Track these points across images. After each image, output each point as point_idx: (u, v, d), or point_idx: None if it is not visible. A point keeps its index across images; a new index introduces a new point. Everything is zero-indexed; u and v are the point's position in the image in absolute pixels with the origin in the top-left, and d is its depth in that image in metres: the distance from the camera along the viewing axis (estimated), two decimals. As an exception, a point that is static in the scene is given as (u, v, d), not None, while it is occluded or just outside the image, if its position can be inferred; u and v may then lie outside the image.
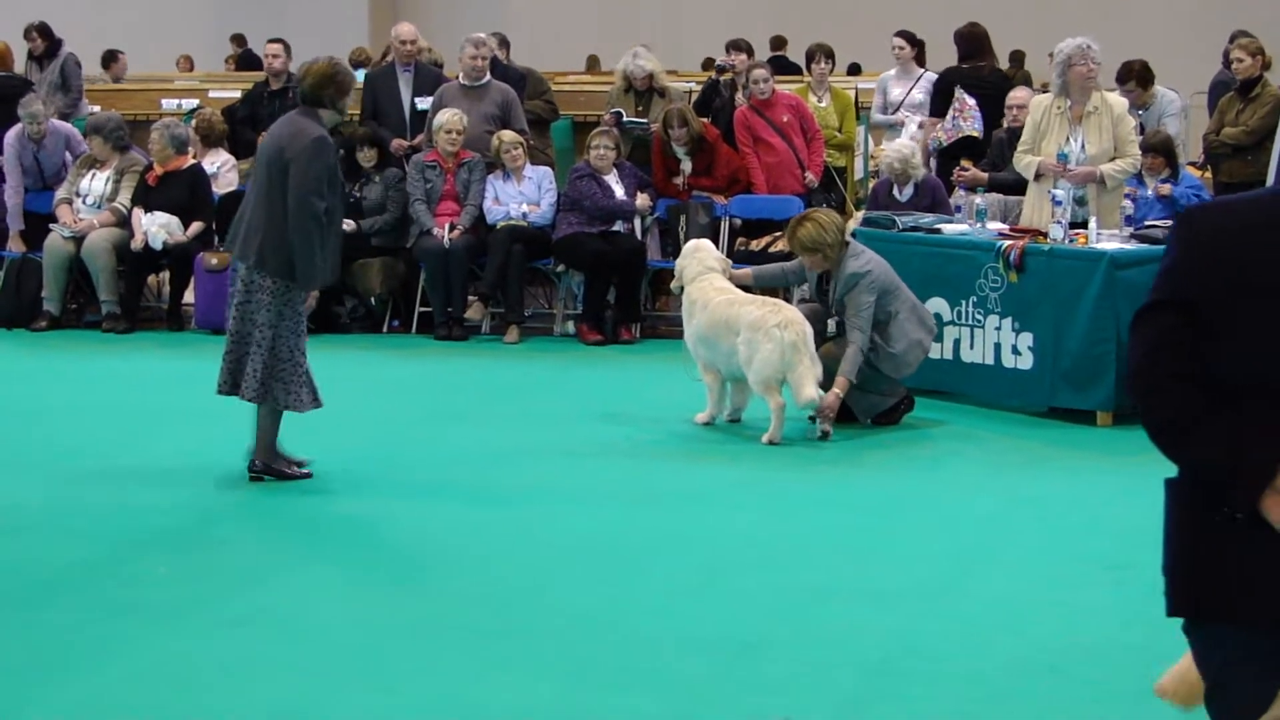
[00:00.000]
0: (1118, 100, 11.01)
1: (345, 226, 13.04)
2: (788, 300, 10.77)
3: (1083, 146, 10.61)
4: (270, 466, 8.55)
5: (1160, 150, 12.30)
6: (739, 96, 13.89)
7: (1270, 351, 3.43)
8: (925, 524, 7.85)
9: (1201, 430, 3.46)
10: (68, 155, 14.22)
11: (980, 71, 13.63)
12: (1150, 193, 12.11)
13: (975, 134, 13.12)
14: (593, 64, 23.08)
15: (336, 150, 9.03)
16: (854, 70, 22.29)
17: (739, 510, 8.10)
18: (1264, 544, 3.41)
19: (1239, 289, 3.44)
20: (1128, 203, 10.89)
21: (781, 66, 20.15)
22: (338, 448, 9.30)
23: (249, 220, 8.46)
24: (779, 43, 22.06)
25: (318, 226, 8.33)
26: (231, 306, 8.56)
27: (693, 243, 10.44)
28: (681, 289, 10.13)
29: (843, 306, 9.75)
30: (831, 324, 9.87)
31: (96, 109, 15.56)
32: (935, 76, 14.12)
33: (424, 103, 13.69)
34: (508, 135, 13.19)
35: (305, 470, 8.61)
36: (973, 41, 13.81)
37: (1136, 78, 13.17)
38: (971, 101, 13.22)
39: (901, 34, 14.72)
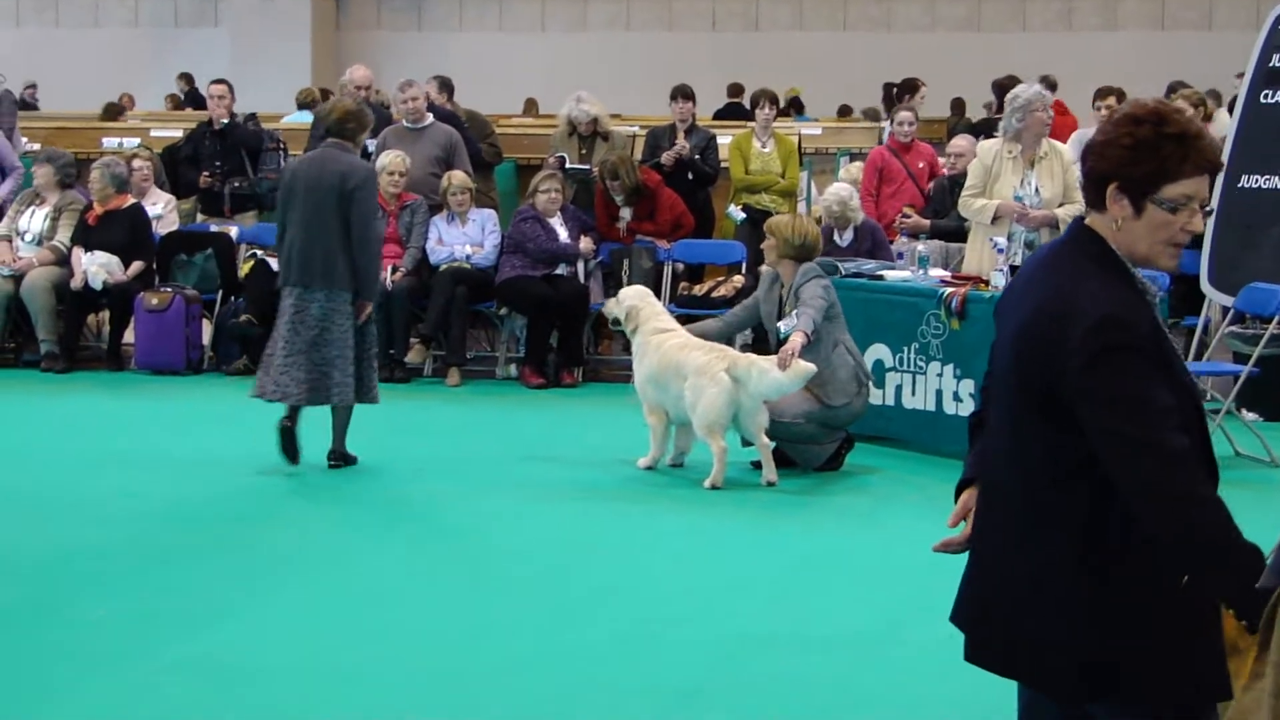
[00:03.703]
0: (1065, 148, 11.14)
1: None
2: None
3: (1036, 190, 10.70)
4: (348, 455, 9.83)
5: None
6: (680, 141, 13.89)
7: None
8: (866, 571, 7.86)
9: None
10: None
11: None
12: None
13: None
14: (530, 107, 23.11)
15: None
16: (796, 105, 22.45)
17: (680, 556, 8.09)
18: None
19: None
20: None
21: (737, 113, 20.28)
22: (276, 488, 9.25)
23: (323, 248, 9.49)
24: (736, 90, 22.18)
25: (378, 245, 9.89)
26: (301, 327, 9.48)
27: (637, 289, 10.43)
28: (626, 326, 10.13)
29: (795, 301, 9.81)
30: (782, 326, 9.88)
31: (35, 147, 15.47)
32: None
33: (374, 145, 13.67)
34: (458, 177, 13.18)
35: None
36: (1004, 92, 14.35)
37: (1116, 95, 13.30)
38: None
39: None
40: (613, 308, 10.26)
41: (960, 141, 13.29)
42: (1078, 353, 3.44)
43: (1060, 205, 10.73)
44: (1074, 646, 3.53)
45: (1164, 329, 3.55)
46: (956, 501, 3.91)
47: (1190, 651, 3.50)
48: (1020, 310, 3.62)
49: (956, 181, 11.86)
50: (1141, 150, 3.51)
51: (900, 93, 15.60)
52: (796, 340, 9.48)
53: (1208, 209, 3.58)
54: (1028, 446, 3.59)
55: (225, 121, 14.35)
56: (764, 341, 10.74)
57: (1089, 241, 3.60)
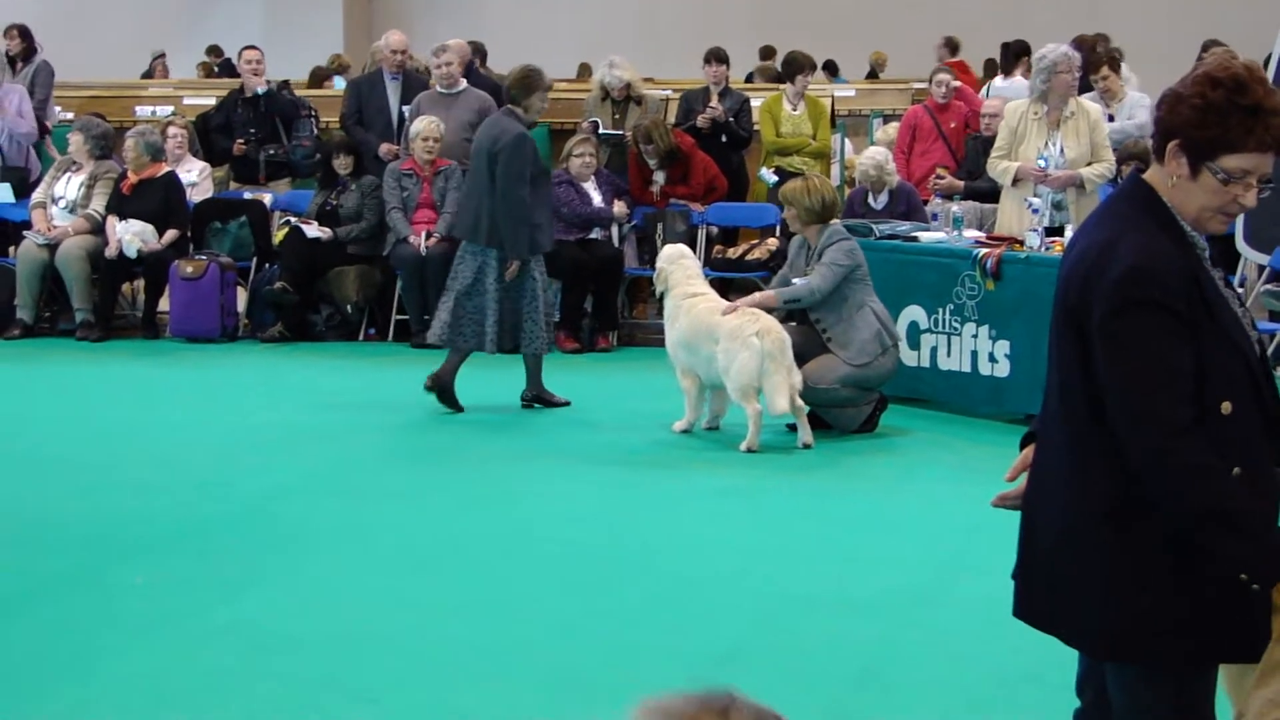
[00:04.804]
0: (1093, 106, 11.10)
1: (320, 234, 13.15)
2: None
3: (1061, 151, 10.68)
4: (541, 396, 10.57)
5: (1138, 159, 12.33)
6: (714, 104, 13.89)
7: None
8: (903, 532, 7.86)
9: None
10: (19, 120, 14.21)
11: None
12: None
13: None
14: (584, 71, 23.02)
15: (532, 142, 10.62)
16: (830, 68, 22.35)
17: (717, 519, 8.10)
18: None
19: None
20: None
21: (771, 76, 20.22)
22: (313, 456, 9.28)
23: (474, 206, 10.34)
24: (768, 53, 22.08)
25: (521, 206, 10.12)
26: (455, 273, 10.39)
27: (676, 248, 10.41)
28: (657, 286, 10.19)
29: (818, 261, 9.82)
30: (797, 284, 9.95)
31: (70, 116, 15.50)
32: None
33: (409, 110, 13.67)
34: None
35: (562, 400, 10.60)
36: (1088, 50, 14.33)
37: (1108, 62, 13.19)
38: None
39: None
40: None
41: (994, 102, 13.24)
42: (1103, 301, 3.44)
43: (1088, 164, 10.70)
44: (1103, 604, 3.52)
45: (1210, 282, 3.51)
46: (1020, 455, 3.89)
47: (1217, 616, 3.48)
48: (1067, 267, 3.62)
49: (989, 142, 11.83)
50: (1210, 114, 3.46)
51: (1017, 54, 15.51)
52: (766, 296, 9.90)
53: (1269, 183, 3.52)
54: (1073, 402, 3.58)
55: (262, 89, 14.35)
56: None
57: (1141, 195, 3.58)
